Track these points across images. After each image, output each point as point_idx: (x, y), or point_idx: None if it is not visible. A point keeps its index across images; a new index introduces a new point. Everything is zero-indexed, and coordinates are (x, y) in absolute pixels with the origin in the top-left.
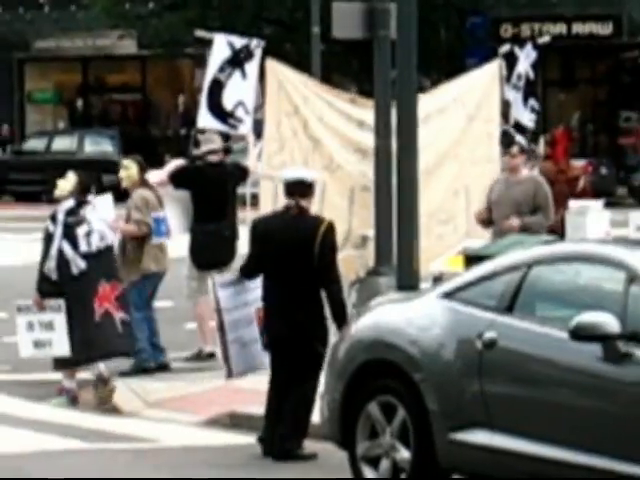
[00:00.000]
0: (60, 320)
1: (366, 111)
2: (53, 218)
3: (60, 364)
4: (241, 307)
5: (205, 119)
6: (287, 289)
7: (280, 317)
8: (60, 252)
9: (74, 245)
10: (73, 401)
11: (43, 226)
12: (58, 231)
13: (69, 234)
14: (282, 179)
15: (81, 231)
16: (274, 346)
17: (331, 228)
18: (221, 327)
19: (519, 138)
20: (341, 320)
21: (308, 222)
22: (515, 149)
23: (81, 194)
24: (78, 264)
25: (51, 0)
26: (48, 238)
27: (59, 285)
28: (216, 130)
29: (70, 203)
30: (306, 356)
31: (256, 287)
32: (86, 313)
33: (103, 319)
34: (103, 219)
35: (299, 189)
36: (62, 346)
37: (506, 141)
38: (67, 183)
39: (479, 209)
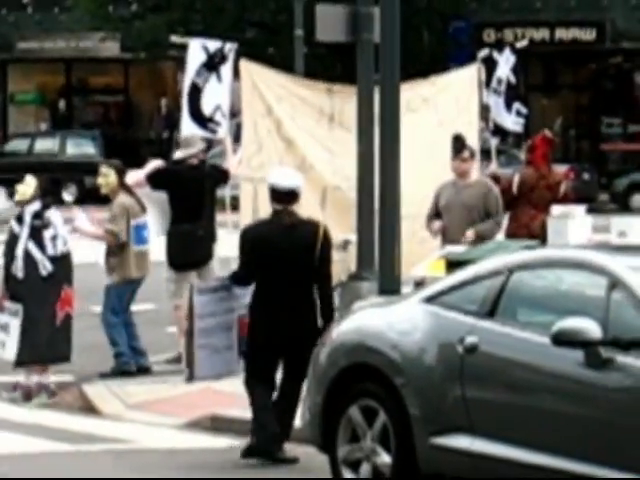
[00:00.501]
0: (15, 325)
1: (339, 101)
2: (19, 219)
3: (18, 363)
4: (220, 314)
5: (188, 125)
6: (293, 293)
7: (289, 321)
8: (27, 253)
9: (41, 248)
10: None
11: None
12: (24, 232)
13: (36, 236)
14: (273, 185)
15: (47, 234)
16: (279, 351)
17: (327, 230)
18: (190, 333)
19: (469, 143)
20: (329, 319)
21: (307, 226)
22: (466, 153)
23: (42, 197)
24: (46, 266)
25: (34, 2)
26: (13, 239)
27: (24, 284)
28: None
29: (37, 206)
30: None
31: (244, 294)
32: (47, 315)
33: (63, 323)
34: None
35: (289, 197)
36: (10, 351)
37: (457, 145)
38: (28, 187)
39: (436, 226)
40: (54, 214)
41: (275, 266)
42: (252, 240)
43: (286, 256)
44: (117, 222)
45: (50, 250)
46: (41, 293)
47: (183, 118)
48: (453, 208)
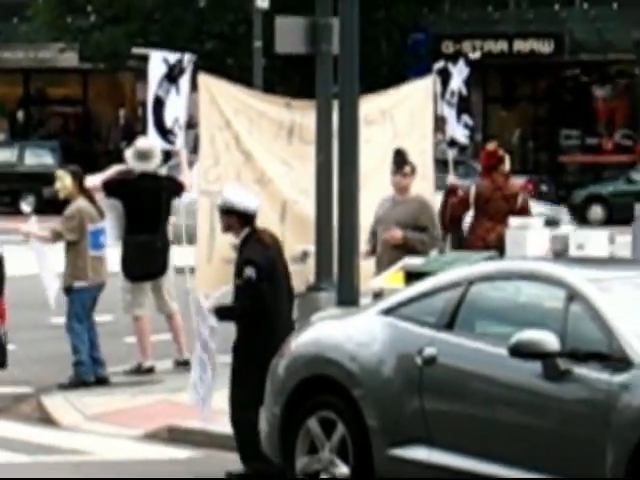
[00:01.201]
0: None
1: (299, 114)
2: None
3: None
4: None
5: (153, 137)
6: (288, 309)
7: (283, 331)
8: None
9: None
10: None
11: None
12: None
13: None
14: (246, 208)
15: None
16: (269, 360)
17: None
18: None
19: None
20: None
21: (276, 239)
22: (407, 169)
23: None
24: None
25: None
26: None
27: None
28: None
29: None
30: None
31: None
32: None
33: None
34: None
35: (255, 217)
36: None
37: (398, 160)
38: None
39: (365, 249)
40: None
41: (276, 286)
42: (265, 266)
43: (279, 274)
44: (65, 223)
45: None
46: None
47: (149, 130)
48: (385, 223)
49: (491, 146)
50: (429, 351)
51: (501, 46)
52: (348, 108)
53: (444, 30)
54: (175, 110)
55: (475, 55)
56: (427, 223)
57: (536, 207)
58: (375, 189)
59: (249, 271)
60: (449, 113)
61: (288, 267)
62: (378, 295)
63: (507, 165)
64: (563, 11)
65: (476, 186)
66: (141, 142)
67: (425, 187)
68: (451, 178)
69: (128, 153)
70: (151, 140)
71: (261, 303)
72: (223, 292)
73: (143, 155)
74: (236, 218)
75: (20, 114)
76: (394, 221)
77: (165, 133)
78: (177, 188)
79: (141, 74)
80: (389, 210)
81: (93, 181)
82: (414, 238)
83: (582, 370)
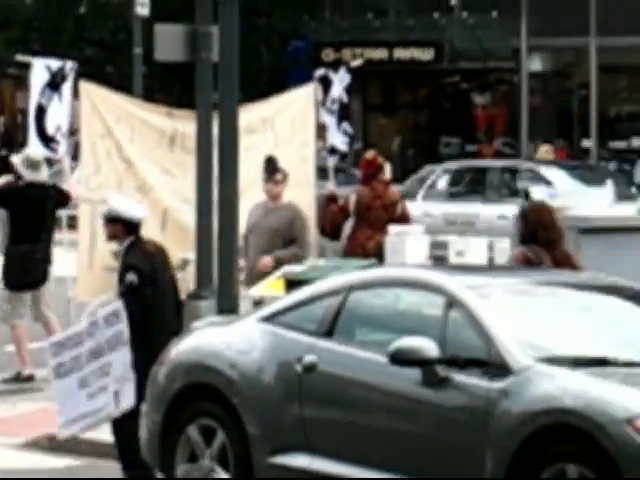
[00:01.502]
0: None
1: (181, 123)
2: None
3: None
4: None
5: (35, 145)
6: (171, 315)
7: (165, 340)
8: None
9: None
10: None
11: None
12: None
13: None
14: (131, 217)
15: None
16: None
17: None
18: None
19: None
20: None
21: (161, 249)
22: (279, 176)
23: None
24: None
25: None
26: None
27: None
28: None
29: None
30: None
31: None
32: None
33: None
34: None
35: (140, 226)
36: None
37: (270, 167)
38: None
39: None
40: None
41: (160, 293)
42: (149, 269)
43: (163, 282)
44: None
45: None
46: None
47: (30, 138)
48: (258, 231)
49: (370, 154)
50: (309, 359)
51: (381, 54)
52: (228, 116)
53: (324, 37)
54: (57, 118)
55: (357, 63)
56: (298, 232)
57: None
58: (255, 197)
59: (130, 276)
60: (329, 121)
61: (175, 278)
62: (258, 303)
63: (387, 173)
64: (443, 19)
65: (356, 194)
66: (32, 152)
67: (306, 194)
68: (331, 186)
69: (16, 159)
70: (31, 148)
71: (145, 308)
72: (103, 300)
73: (34, 165)
74: (121, 227)
75: None
76: (267, 229)
77: (47, 141)
78: (63, 198)
79: (21, 82)
80: (261, 217)
81: None
82: (285, 257)
83: (461, 377)
